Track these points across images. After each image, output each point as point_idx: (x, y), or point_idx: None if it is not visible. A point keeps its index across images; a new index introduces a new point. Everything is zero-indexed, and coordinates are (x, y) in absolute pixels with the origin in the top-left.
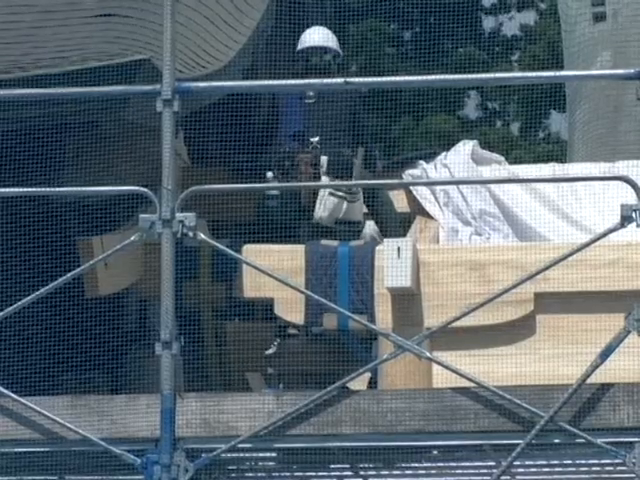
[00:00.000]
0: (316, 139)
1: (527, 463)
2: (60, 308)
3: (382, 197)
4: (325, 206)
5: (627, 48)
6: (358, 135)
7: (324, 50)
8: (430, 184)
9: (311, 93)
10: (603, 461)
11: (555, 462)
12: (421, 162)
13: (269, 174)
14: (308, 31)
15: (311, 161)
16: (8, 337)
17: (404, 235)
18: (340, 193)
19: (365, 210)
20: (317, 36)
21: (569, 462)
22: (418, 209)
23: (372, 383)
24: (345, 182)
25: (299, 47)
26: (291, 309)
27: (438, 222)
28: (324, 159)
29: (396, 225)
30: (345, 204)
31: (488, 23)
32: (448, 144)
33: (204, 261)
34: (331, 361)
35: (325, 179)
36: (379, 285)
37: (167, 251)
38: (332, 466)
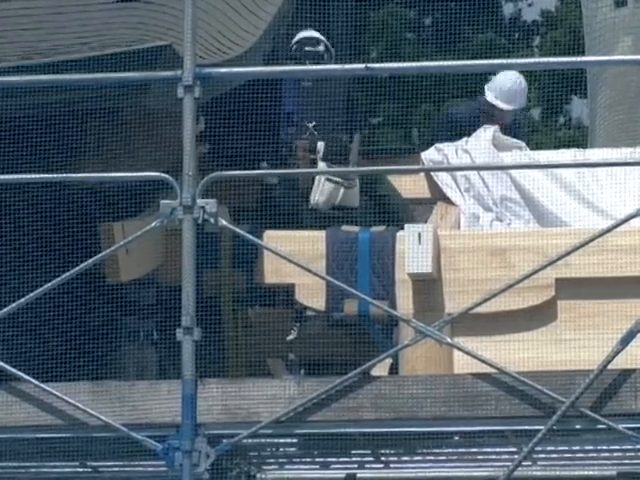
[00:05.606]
0: (312, 124)
1: (548, 449)
2: (81, 293)
3: (384, 186)
4: (322, 192)
5: None
6: (353, 120)
7: (317, 41)
8: (451, 170)
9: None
10: (625, 447)
11: (576, 448)
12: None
13: (264, 165)
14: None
15: (309, 147)
16: (29, 323)
17: (412, 222)
18: (337, 179)
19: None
20: (310, 32)
21: (590, 448)
22: (439, 195)
23: (393, 369)
24: (366, 168)
25: (293, 41)
26: (312, 295)
27: (459, 208)
28: (320, 144)
29: (406, 213)
30: (342, 190)
31: (508, 9)
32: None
33: (225, 247)
34: (352, 347)
35: (322, 165)
36: (400, 271)
37: (188, 237)
38: (353, 452)
